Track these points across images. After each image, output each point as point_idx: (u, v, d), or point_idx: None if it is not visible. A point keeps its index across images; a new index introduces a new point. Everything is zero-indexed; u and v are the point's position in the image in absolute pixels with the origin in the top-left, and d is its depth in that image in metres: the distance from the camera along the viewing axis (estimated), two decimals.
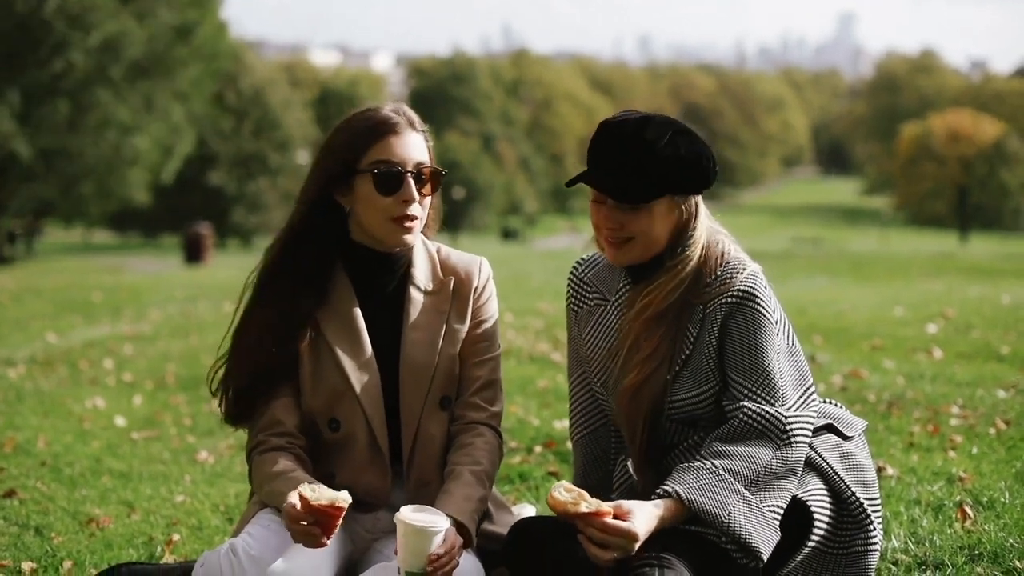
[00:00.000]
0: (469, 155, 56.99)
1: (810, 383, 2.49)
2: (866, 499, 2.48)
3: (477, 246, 27.96)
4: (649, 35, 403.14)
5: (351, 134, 2.59)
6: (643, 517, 2.25)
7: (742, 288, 2.44)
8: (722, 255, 2.50)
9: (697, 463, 2.34)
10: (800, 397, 2.43)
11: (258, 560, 2.36)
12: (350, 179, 2.57)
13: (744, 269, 2.47)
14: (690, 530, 2.30)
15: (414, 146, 2.59)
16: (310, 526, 2.30)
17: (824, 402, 2.63)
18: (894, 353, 6.47)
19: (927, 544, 3.06)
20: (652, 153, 2.42)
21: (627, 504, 2.27)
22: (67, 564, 3.35)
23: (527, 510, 3.03)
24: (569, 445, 4.55)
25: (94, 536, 3.65)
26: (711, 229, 2.54)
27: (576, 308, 2.68)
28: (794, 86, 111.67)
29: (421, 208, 2.59)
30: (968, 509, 3.30)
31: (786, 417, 2.37)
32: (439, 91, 65.55)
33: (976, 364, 6.05)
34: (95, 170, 31.90)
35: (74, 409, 6.16)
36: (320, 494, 2.30)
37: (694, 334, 2.46)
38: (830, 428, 2.56)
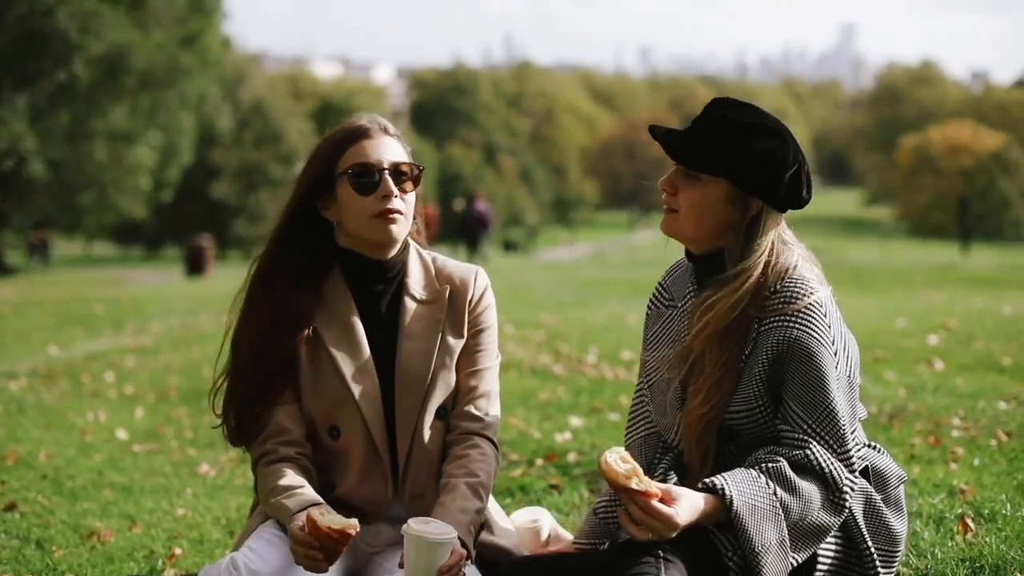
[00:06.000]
0: (471, 166, 56.99)
1: (857, 417, 2.46)
2: (879, 551, 2.45)
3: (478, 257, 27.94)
4: (650, 46, 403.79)
5: (327, 144, 2.63)
6: (688, 507, 2.24)
7: (801, 319, 2.35)
8: (786, 270, 2.40)
9: (762, 480, 2.30)
10: (852, 434, 2.39)
11: (259, 575, 2.36)
12: (331, 187, 2.59)
13: (809, 295, 2.36)
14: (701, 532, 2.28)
15: (388, 147, 2.61)
16: (313, 550, 2.29)
17: (867, 446, 2.55)
18: (895, 364, 6.46)
19: (928, 557, 3.06)
20: (725, 129, 2.38)
21: (676, 491, 2.25)
22: None
23: (540, 514, 3.00)
24: (571, 458, 4.58)
25: (95, 550, 3.65)
26: (781, 245, 2.45)
27: (649, 310, 2.66)
28: (795, 97, 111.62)
29: (404, 203, 2.59)
30: (970, 522, 3.29)
31: (846, 478, 2.34)
32: (440, 103, 65.53)
33: (978, 376, 6.04)
34: (95, 182, 31.89)
35: (76, 422, 6.16)
36: (329, 518, 2.28)
37: (746, 353, 2.39)
38: (864, 474, 2.49)
